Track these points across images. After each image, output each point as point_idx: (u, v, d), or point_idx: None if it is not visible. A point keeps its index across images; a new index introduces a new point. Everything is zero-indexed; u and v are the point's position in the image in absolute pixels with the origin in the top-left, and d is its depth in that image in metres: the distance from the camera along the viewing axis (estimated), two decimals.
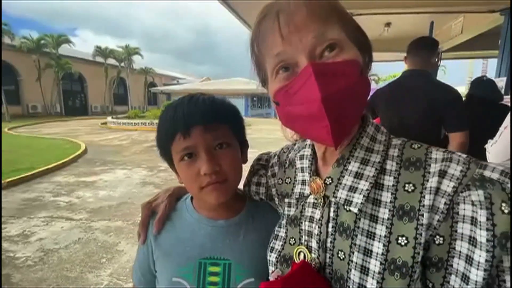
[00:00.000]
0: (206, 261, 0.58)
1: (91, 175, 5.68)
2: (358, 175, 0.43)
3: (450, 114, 1.68)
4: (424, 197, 0.38)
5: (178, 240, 0.61)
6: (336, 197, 0.44)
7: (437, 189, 0.37)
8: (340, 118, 0.37)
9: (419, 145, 0.43)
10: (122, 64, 26.25)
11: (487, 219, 0.33)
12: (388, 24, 4.12)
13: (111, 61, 25.52)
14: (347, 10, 0.43)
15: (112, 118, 15.85)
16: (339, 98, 0.36)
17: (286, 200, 0.55)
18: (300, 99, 0.38)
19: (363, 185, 0.43)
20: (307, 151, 0.52)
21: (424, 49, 1.81)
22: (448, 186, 0.37)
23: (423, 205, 0.38)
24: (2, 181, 4.80)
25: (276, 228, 0.56)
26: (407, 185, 0.40)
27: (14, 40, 18.12)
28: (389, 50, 4.77)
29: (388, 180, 0.42)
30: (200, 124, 0.53)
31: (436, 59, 1.82)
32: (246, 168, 0.65)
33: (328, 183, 0.46)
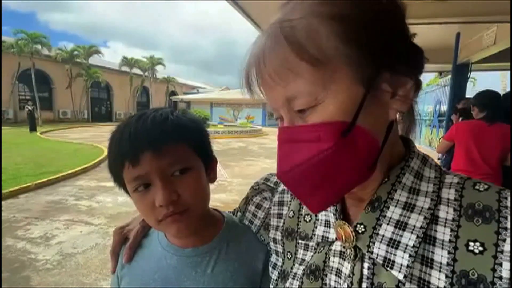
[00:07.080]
0: None
1: (111, 180, 5.83)
2: (401, 225, 0.34)
3: None
4: (500, 265, 0.29)
5: (143, 270, 0.54)
6: (371, 252, 0.35)
7: None
8: (311, 190, 0.33)
9: (485, 186, 0.33)
10: (146, 74, 27.46)
11: None
12: (414, 35, 3.99)
13: (136, 70, 26.80)
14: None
15: None
16: (301, 172, 0.32)
17: (304, 242, 0.45)
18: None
19: (408, 238, 0.33)
20: None
21: None
22: None
23: (500, 277, 0.29)
24: (30, 183, 5.07)
25: (290, 280, 0.45)
26: (471, 244, 0.31)
27: (51, 51, 19.66)
28: None
29: (443, 233, 0.33)
30: (150, 149, 0.44)
31: None
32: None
33: (360, 231, 0.36)
